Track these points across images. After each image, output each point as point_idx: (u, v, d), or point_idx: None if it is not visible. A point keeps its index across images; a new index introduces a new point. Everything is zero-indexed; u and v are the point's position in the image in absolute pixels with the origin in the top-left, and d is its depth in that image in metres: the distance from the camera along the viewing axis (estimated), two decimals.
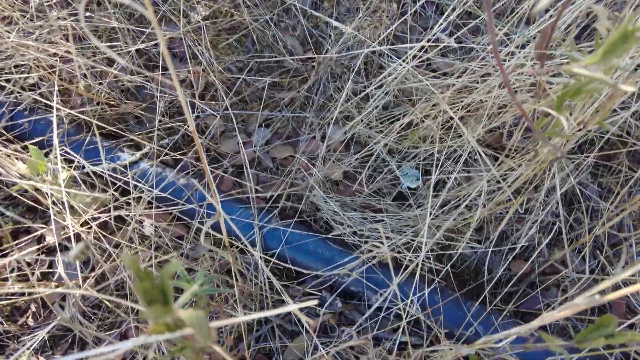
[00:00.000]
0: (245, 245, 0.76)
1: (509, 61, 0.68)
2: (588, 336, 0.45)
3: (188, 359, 0.36)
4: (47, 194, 0.65)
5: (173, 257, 0.77)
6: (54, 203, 0.68)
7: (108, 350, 0.32)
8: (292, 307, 0.31)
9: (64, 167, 0.65)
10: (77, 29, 0.95)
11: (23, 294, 0.74)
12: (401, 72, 0.80)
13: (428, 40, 0.77)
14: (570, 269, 0.69)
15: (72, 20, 0.90)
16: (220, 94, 0.92)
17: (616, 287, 0.70)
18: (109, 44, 0.94)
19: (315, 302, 0.31)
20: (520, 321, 0.69)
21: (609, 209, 0.70)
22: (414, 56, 0.83)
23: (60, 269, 0.61)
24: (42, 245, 0.80)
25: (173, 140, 0.89)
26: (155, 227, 0.76)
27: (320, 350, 0.63)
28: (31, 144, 0.82)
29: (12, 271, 0.73)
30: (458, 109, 0.76)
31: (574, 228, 0.75)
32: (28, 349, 0.66)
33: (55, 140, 0.68)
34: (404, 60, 0.80)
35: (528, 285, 0.76)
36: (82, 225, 0.72)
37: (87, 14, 0.94)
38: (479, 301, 0.70)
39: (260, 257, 0.75)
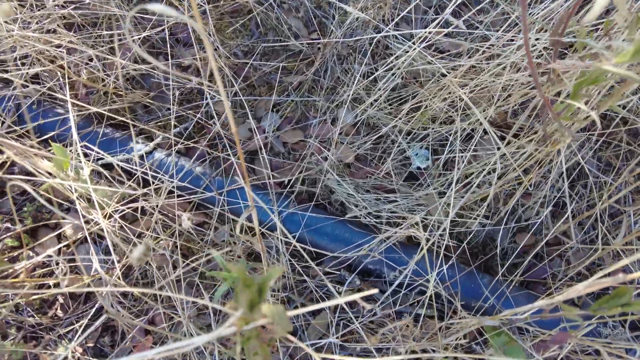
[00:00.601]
0: (267, 230, 0.79)
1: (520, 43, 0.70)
2: (604, 305, 0.50)
3: (253, 349, 0.39)
4: (71, 189, 0.66)
5: (203, 247, 0.79)
6: (73, 199, 0.69)
7: (185, 344, 0.35)
8: (354, 296, 0.34)
9: (86, 162, 0.66)
10: (77, 17, 0.92)
11: (49, 287, 0.76)
12: (410, 55, 0.81)
13: (437, 25, 0.78)
14: (574, 241, 0.74)
15: (72, 9, 0.88)
16: (228, 79, 0.92)
17: (616, 255, 0.76)
18: (111, 32, 0.92)
19: (376, 290, 0.34)
20: (531, 291, 0.74)
21: (610, 183, 0.75)
22: (423, 38, 0.84)
23: (95, 264, 0.63)
24: (64, 240, 0.81)
25: (188, 129, 0.89)
26: (176, 215, 0.78)
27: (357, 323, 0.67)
28: (44, 139, 0.82)
29: (39, 266, 0.74)
30: (467, 91, 0.78)
31: (576, 201, 0.80)
32: (79, 345, 0.69)
33: (76, 136, 0.68)
34: (413, 43, 0.81)
35: (533, 256, 0.81)
36: (105, 217, 0.73)
37: (86, 0, 0.91)
38: (492, 273, 0.75)
39: (281, 241, 0.78)
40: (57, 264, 0.74)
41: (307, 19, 1.01)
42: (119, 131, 0.87)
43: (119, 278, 0.71)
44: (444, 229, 0.73)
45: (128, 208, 0.75)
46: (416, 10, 0.99)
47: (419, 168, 0.88)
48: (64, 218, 0.73)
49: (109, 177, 0.78)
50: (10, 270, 0.69)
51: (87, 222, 0.71)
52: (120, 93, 0.90)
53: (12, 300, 0.72)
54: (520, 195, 0.74)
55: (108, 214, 0.72)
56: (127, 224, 0.76)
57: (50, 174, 0.62)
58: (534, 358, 0.64)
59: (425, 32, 0.79)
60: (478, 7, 0.91)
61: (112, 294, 0.75)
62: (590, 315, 0.56)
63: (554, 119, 0.52)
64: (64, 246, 0.79)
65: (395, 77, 0.86)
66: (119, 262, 0.74)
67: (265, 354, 0.41)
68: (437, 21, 0.76)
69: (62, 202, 0.79)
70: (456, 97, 0.82)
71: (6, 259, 0.77)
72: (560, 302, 0.53)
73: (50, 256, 0.72)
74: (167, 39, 0.91)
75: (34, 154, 0.59)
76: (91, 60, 0.84)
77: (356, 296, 0.34)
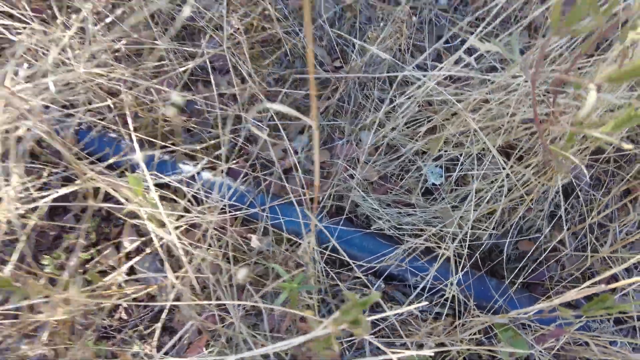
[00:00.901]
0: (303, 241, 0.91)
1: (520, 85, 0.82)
2: (592, 307, 0.63)
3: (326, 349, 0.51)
4: (142, 211, 0.77)
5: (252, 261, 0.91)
6: (131, 216, 0.80)
7: (282, 345, 0.47)
8: (409, 307, 0.46)
9: (154, 187, 0.77)
10: (125, 49, 1.03)
11: (113, 294, 0.88)
12: (426, 87, 0.93)
13: (453, 63, 0.89)
14: (568, 249, 0.87)
15: (124, 44, 0.98)
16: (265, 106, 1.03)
17: (604, 260, 0.89)
18: (157, 62, 1.03)
19: (426, 303, 0.47)
20: (532, 293, 0.87)
21: (599, 198, 0.87)
22: (439, 70, 0.95)
23: (170, 275, 0.74)
24: (124, 251, 0.93)
25: (232, 152, 1.00)
26: (224, 228, 0.89)
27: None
28: (107, 166, 0.93)
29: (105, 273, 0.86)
30: (478, 119, 0.90)
31: (570, 214, 0.93)
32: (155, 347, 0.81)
33: (142, 164, 0.79)
34: (429, 79, 0.93)
35: (533, 262, 0.94)
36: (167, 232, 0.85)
37: (134, 35, 1.02)
38: (497, 276, 0.88)
39: (316, 251, 0.90)
40: (128, 274, 0.86)
41: (330, 47, 1.12)
42: (169, 154, 0.98)
43: (192, 288, 0.83)
44: (460, 240, 0.86)
45: (185, 224, 0.86)
46: (429, 40, 1.10)
47: (433, 184, 1.00)
48: (158, 238, 0.84)
49: (166, 196, 0.90)
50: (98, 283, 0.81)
51: (153, 237, 0.83)
52: (168, 119, 1.00)
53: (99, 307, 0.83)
54: (523, 210, 0.87)
55: (170, 230, 0.84)
56: (185, 238, 0.87)
57: (127, 199, 0.74)
58: (535, 349, 0.77)
59: (438, 72, 0.91)
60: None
61: (176, 299, 0.87)
62: (581, 315, 0.69)
63: (553, 159, 0.64)
64: (126, 258, 0.91)
65: (412, 105, 0.98)
66: (178, 272, 0.85)
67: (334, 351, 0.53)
68: (449, 60, 0.87)
69: (124, 218, 0.90)
70: (467, 124, 0.93)
71: (85, 270, 0.88)
72: (557, 305, 0.66)
73: (131, 267, 0.84)
74: (208, 69, 1.02)
75: (113, 182, 0.71)
76: (147, 90, 0.95)
77: (411, 308, 0.46)
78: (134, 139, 0.83)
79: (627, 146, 0.47)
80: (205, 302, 0.77)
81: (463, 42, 1.09)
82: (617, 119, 0.47)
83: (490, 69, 1.01)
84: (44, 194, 0.76)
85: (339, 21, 1.14)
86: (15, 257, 0.75)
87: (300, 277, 0.66)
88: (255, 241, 0.65)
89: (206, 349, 0.90)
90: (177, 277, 0.85)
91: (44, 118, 0.75)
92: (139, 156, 0.81)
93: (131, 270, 0.94)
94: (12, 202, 0.73)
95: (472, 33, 1.12)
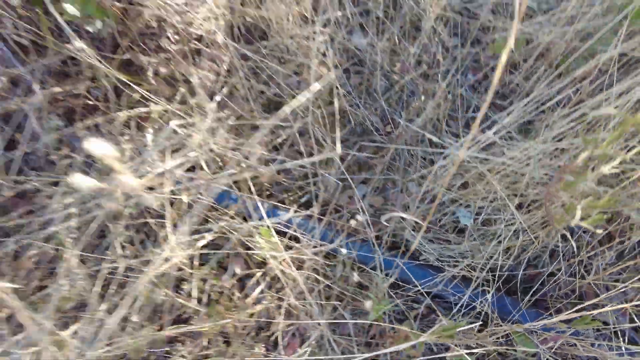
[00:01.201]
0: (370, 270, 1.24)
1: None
2: (579, 322, 0.97)
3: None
4: (268, 255, 1.10)
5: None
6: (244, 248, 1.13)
7: (405, 345, 0.81)
8: (471, 326, 0.79)
9: (278, 236, 1.10)
10: (232, 121, 1.35)
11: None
12: (456, 157, 1.25)
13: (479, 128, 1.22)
14: (564, 276, 1.21)
15: (233, 120, 1.31)
16: (336, 164, 1.36)
17: (588, 285, 1.23)
18: (254, 131, 1.35)
19: (479, 323, 0.80)
20: (538, 308, 1.21)
21: (588, 241, 1.21)
22: (469, 139, 1.28)
23: (291, 299, 1.08)
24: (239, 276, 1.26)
25: (313, 199, 1.33)
26: (315, 260, 1.22)
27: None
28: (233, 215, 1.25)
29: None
30: (498, 179, 1.23)
31: (566, 249, 1.26)
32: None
33: (267, 219, 1.12)
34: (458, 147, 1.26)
35: (538, 284, 1.28)
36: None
37: (239, 111, 1.34)
38: (511, 294, 1.21)
39: (380, 276, 1.23)
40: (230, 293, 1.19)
41: (383, 115, 1.45)
42: (266, 202, 1.31)
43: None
44: (487, 269, 1.19)
45: (290, 257, 1.19)
46: (460, 111, 1.43)
47: (465, 225, 1.33)
48: (275, 268, 1.17)
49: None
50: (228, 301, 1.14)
51: (276, 269, 1.16)
52: (262, 172, 1.33)
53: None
54: (532, 250, 1.20)
55: (288, 260, 1.17)
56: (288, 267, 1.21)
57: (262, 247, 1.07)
58: (540, 348, 1.11)
59: (468, 147, 1.23)
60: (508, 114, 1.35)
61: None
62: (570, 327, 1.03)
63: (556, 224, 0.97)
64: (238, 281, 1.24)
65: (449, 165, 1.31)
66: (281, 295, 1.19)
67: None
68: (478, 137, 1.20)
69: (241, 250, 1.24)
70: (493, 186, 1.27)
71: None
72: (557, 320, 1.00)
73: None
74: (294, 134, 1.34)
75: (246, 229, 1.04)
76: (250, 153, 1.27)
77: (473, 325, 0.80)
78: (256, 198, 1.16)
79: (598, 231, 0.81)
80: (311, 321, 1.10)
81: (488, 112, 1.42)
82: (598, 215, 0.79)
83: (510, 137, 1.34)
84: (200, 242, 1.10)
85: (388, 92, 1.46)
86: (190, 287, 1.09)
87: (386, 302, 1.00)
88: (356, 277, 0.97)
89: (300, 349, 1.24)
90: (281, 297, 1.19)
91: (208, 188, 1.08)
92: (262, 210, 1.14)
93: (241, 290, 1.27)
94: (181, 248, 1.06)
95: (494, 105, 1.44)
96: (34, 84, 1.17)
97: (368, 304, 1.02)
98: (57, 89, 1.22)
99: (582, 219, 0.82)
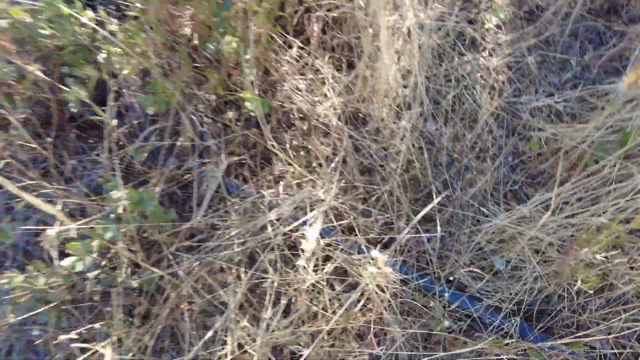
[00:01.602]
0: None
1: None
2: (574, 345, 1.50)
3: None
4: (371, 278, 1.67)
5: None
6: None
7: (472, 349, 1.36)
8: (507, 341, 1.34)
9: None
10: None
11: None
12: (494, 225, 1.79)
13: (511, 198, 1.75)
14: (566, 311, 1.74)
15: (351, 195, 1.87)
16: (409, 216, 1.91)
17: (584, 320, 1.76)
18: (357, 195, 1.91)
19: (507, 341, 1.35)
20: (547, 333, 1.75)
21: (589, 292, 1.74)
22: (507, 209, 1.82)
23: (396, 334, 1.64)
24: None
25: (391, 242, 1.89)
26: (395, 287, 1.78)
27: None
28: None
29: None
30: (528, 245, 1.77)
31: (571, 293, 1.80)
32: None
33: (371, 254, 1.67)
34: (503, 218, 1.80)
35: (547, 316, 1.81)
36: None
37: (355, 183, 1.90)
38: (529, 321, 1.76)
39: (438, 301, 1.78)
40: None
41: (444, 183, 1.99)
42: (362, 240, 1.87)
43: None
44: (513, 302, 1.74)
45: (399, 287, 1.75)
46: (502, 185, 1.97)
47: (499, 269, 1.87)
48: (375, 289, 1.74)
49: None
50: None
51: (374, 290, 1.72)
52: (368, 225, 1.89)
53: None
54: (548, 291, 1.74)
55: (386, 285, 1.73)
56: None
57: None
58: None
59: (504, 221, 1.77)
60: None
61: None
62: (568, 348, 1.57)
63: (564, 280, 1.51)
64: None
65: (492, 226, 1.85)
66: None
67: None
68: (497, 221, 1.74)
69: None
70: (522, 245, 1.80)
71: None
72: (559, 343, 1.54)
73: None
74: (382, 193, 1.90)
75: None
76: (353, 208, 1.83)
77: (508, 341, 1.35)
78: (360, 239, 1.72)
79: (590, 291, 1.35)
80: (397, 330, 1.66)
81: (522, 187, 1.96)
82: (594, 279, 1.33)
83: (537, 211, 1.87)
84: (326, 269, 1.67)
85: (450, 166, 2.01)
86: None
87: (448, 322, 1.55)
88: (422, 299, 1.52)
89: (378, 347, 1.80)
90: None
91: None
92: (374, 253, 1.70)
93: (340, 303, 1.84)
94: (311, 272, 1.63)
95: (527, 183, 1.98)
96: (220, 153, 1.75)
97: (431, 319, 1.58)
98: (234, 158, 1.80)
99: (582, 281, 1.36)
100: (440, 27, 2.09)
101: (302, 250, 1.68)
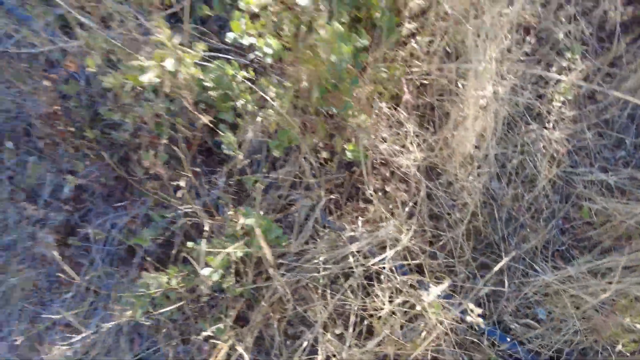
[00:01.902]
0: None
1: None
2: None
3: None
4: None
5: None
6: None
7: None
8: None
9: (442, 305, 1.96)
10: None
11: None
12: (542, 281, 2.08)
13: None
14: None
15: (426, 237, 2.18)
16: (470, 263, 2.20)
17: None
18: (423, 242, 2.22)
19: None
20: None
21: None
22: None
23: None
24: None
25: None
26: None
27: None
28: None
29: None
30: (570, 301, 2.05)
31: (606, 349, 2.07)
32: None
33: (436, 292, 1.98)
34: (550, 276, 2.08)
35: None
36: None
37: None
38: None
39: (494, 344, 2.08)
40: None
41: (502, 236, 2.28)
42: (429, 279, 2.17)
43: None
44: (554, 351, 2.02)
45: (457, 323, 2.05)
46: (552, 244, 2.25)
47: (540, 318, 2.16)
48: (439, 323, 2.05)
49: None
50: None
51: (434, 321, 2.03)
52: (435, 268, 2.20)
53: None
54: (584, 344, 2.03)
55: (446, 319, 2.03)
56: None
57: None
58: None
59: (554, 276, 2.06)
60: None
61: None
62: None
63: (603, 338, 1.79)
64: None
65: (538, 280, 2.13)
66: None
67: None
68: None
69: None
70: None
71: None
72: None
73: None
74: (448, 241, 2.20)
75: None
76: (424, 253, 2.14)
77: None
78: (427, 272, 2.02)
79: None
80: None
81: (569, 249, 2.24)
82: (632, 345, 1.62)
83: (581, 272, 2.15)
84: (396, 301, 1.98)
85: (508, 222, 2.30)
86: None
87: (495, 356, 1.84)
88: (489, 345, 1.82)
89: None
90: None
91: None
92: (432, 288, 2.00)
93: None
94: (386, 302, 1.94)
95: (574, 247, 2.26)
96: (321, 189, 2.08)
97: (480, 354, 1.87)
98: (331, 195, 2.12)
99: (623, 345, 1.65)
100: (511, 99, 2.39)
101: (380, 282, 1.99)
